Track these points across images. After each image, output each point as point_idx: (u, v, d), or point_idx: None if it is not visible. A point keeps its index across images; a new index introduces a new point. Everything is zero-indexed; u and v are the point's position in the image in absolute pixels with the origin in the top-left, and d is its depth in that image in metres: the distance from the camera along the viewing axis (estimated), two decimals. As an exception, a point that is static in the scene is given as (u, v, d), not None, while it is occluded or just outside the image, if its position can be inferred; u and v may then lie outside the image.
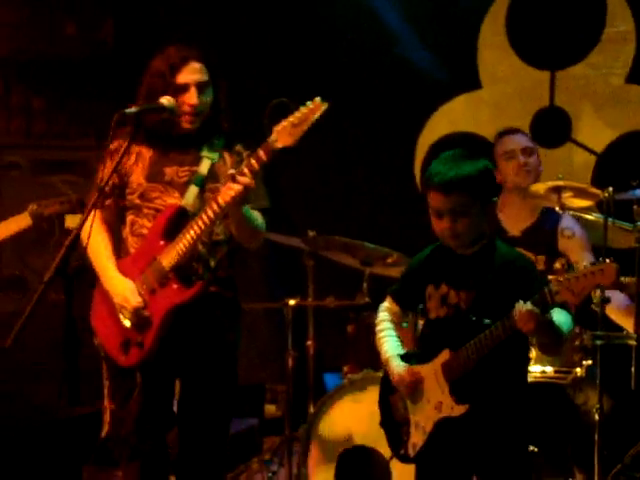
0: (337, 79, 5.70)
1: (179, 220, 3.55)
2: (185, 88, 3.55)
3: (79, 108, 5.46)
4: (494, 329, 3.00)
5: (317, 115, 3.37)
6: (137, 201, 3.60)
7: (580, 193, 4.51)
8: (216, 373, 3.62)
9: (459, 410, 3.06)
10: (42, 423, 4.04)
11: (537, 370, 4.35)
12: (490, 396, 3.10)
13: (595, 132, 5.48)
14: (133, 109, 3.39)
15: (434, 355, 3.18)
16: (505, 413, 3.12)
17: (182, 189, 3.57)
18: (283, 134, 3.36)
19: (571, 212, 4.52)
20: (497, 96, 5.62)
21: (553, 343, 3.09)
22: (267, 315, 5.72)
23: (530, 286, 3.02)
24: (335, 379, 5.11)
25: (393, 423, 3.27)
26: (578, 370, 4.45)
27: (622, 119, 5.43)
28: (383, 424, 3.33)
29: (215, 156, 3.60)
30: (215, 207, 3.42)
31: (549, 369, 4.37)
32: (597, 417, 4.25)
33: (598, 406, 4.26)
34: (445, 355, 3.14)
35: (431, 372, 3.17)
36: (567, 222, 4.59)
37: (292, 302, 4.83)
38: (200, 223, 3.45)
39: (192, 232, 3.46)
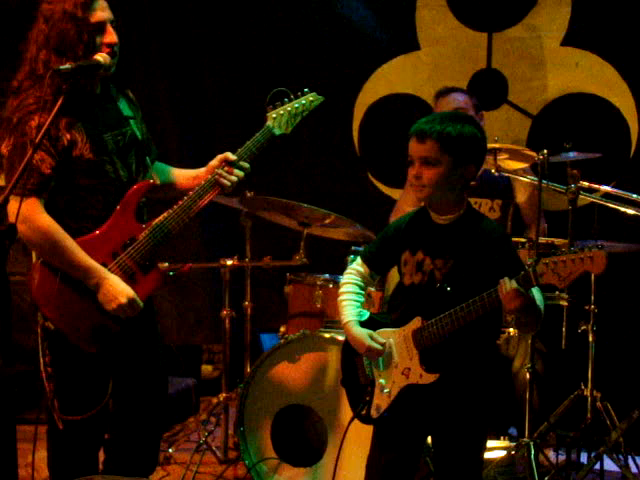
0: (276, 37, 5.67)
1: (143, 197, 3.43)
2: (101, 27, 3.26)
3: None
4: (473, 303, 2.97)
5: (312, 107, 3.51)
6: (83, 179, 3.28)
7: (515, 155, 4.50)
8: (147, 335, 3.51)
9: (428, 378, 3.05)
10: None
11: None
12: (459, 366, 3.08)
13: (531, 94, 5.49)
14: (68, 66, 3.11)
15: (405, 321, 3.16)
16: (472, 383, 3.10)
17: (121, 155, 3.35)
18: (281, 122, 3.46)
19: (506, 174, 4.57)
20: (435, 57, 5.59)
21: (532, 322, 3.06)
22: (204, 275, 5.68)
23: (506, 260, 3.02)
24: (272, 339, 5.15)
25: (356, 383, 3.26)
26: (511, 330, 4.46)
27: (557, 81, 5.44)
28: (345, 383, 3.32)
29: (131, 112, 3.44)
30: (213, 192, 3.39)
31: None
32: (528, 376, 4.29)
33: (529, 365, 4.30)
34: (416, 322, 3.12)
35: (400, 338, 3.15)
36: None
37: (229, 262, 4.79)
38: (193, 205, 3.37)
39: (184, 215, 3.36)
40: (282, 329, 4.74)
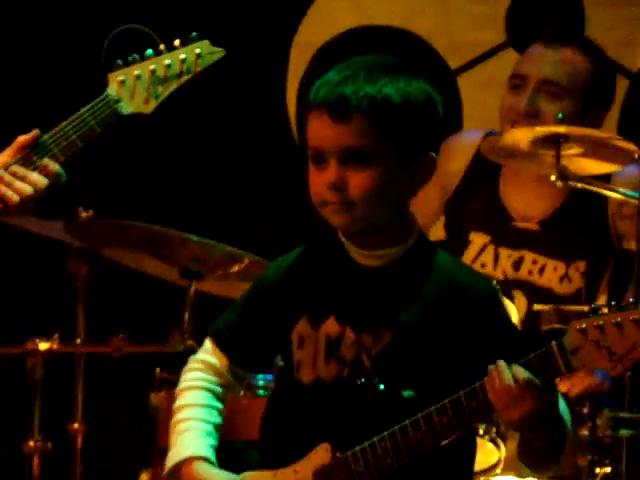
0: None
1: None
2: None
3: None
4: (437, 414, 2.76)
5: (201, 67, 3.39)
6: None
7: (598, 148, 4.15)
8: None
9: None
10: None
11: (508, 485, 4.22)
12: None
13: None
14: None
15: (298, 454, 2.92)
16: None
17: None
18: (134, 91, 3.39)
19: (579, 185, 4.08)
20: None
21: (554, 448, 2.84)
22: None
23: (499, 334, 2.87)
24: None
25: None
26: None
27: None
28: None
29: None
30: None
31: (531, 483, 4.19)
32: None
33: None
34: (322, 455, 2.89)
35: None
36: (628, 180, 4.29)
37: (43, 346, 4.46)
38: None
39: None
40: (144, 477, 4.45)
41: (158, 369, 4.42)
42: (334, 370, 2.91)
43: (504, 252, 4.59)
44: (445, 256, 3.00)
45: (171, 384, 4.23)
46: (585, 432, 4.04)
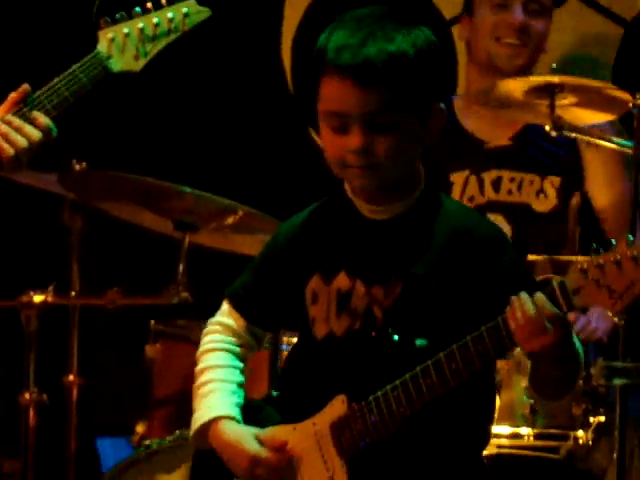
0: None
1: None
2: None
3: None
4: (446, 359, 2.80)
5: (188, 26, 3.42)
6: None
7: (592, 98, 4.19)
8: None
9: None
10: None
11: (503, 433, 4.10)
12: None
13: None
14: None
15: (315, 407, 2.94)
16: None
17: None
18: (123, 48, 3.42)
19: (574, 134, 4.17)
20: None
21: (567, 379, 2.89)
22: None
23: (508, 275, 2.87)
24: (120, 447, 4.85)
25: None
26: (580, 434, 4.15)
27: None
28: None
29: None
30: None
31: (526, 431, 4.10)
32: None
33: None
34: (338, 407, 2.91)
35: (309, 438, 2.97)
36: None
37: (38, 299, 4.47)
38: None
39: None
40: (139, 429, 4.50)
41: (153, 321, 4.48)
42: (345, 323, 2.94)
43: (486, 176, 4.67)
44: (451, 203, 3.02)
45: (166, 336, 4.51)
46: (579, 381, 4.02)
